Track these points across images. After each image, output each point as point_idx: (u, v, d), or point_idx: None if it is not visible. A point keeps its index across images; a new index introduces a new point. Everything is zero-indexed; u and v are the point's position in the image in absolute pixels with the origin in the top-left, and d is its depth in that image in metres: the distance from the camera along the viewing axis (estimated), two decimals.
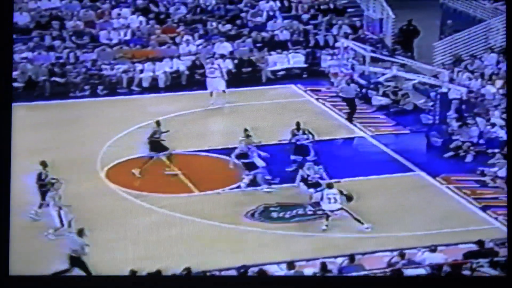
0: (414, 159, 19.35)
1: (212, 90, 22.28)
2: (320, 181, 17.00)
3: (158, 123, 18.58)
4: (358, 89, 22.60)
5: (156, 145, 18.28)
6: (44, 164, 16.15)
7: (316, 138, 18.80)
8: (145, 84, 24.06)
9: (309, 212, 16.75)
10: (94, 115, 21.69)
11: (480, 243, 14.77)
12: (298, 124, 18.89)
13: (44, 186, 15.98)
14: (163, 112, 21.13)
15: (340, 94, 22.26)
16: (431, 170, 18.84)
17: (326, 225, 16.01)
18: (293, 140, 18.62)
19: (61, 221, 15.29)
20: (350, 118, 21.67)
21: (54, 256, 14.48)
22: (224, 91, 22.19)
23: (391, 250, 15.01)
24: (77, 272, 13.81)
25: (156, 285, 12.77)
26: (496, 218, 16.73)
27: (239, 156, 17.63)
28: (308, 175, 17.05)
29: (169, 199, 17.08)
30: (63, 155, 18.18)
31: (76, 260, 14.10)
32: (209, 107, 21.96)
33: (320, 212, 16.55)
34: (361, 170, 18.26)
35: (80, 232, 14.42)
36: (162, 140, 18.32)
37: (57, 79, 23.50)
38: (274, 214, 16.73)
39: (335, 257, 14.57)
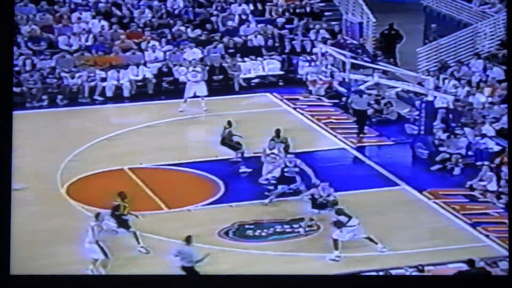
0: (398, 172, 19.42)
1: (191, 95, 22.32)
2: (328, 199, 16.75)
3: (229, 123, 19.23)
4: (372, 101, 22.38)
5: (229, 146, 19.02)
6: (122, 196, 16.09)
7: (296, 150, 18.88)
8: (109, 93, 23.94)
9: (288, 230, 16.77)
10: (53, 127, 21.58)
11: (470, 262, 14.78)
12: (278, 131, 19.10)
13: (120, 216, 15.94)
14: (129, 123, 21.24)
15: (352, 106, 22.05)
16: (416, 184, 18.89)
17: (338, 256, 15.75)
18: (268, 151, 18.67)
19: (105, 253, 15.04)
20: (360, 132, 21.57)
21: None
22: (203, 98, 22.33)
23: (376, 270, 15.08)
24: None
25: (154, 285, 13.30)
26: (487, 236, 16.77)
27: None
28: (321, 196, 16.75)
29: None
30: (20, 171, 17.47)
31: (190, 271, 14.31)
32: (179, 117, 21.91)
33: (298, 230, 16.62)
34: (342, 184, 18.13)
35: (188, 240, 14.66)
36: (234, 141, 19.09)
37: (12, 88, 23.19)
38: (250, 232, 16.71)
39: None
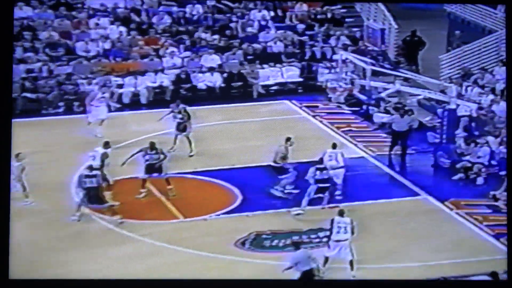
0: (419, 182, 19.38)
1: (93, 120, 21.58)
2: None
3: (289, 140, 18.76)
4: (413, 123, 21.31)
5: None
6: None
7: (315, 158, 18.51)
8: (126, 100, 23.92)
9: (306, 240, 16.69)
10: (70, 134, 21.49)
11: (494, 274, 14.67)
12: (288, 139, 18.90)
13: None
14: (146, 131, 21.14)
15: (392, 127, 21.12)
16: (438, 194, 18.86)
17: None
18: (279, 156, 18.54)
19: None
20: (403, 158, 20.77)
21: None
22: (103, 120, 21.57)
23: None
24: None
25: None
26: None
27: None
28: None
29: (151, 227, 16.97)
30: (36, 178, 18.04)
31: (311, 274, 14.45)
32: (196, 124, 21.50)
33: (316, 240, 16.60)
34: (362, 194, 18.29)
35: (296, 245, 14.93)
36: None
37: (28, 94, 23.32)
38: (267, 243, 16.66)
39: None
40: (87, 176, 16.76)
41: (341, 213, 15.77)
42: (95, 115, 21.48)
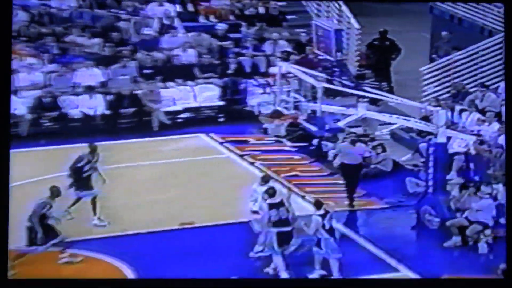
0: (396, 251, 19.32)
1: None
2: None
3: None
4: (369, 152, 22.19)
5: None
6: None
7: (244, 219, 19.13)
8: None
9: None
10: None
11: None
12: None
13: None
14: None
15: (339, 160, 21.66)
16: (424, 269, 18.71)
17: None
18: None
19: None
20: (351, 199, 21.44)
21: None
22: None
23: None
24: None
25: None
26: None
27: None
28: None
29: None
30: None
31: None
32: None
33: None
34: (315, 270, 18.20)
35: None
36: None
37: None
38: None
39: None
40: None
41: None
42: None
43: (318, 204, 17.97)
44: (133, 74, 25.71)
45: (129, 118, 24.91)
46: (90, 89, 25.02)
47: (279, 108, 24.58)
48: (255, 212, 18.51)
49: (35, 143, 23.93)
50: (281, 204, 17.99)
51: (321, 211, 17.76)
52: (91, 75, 25.35)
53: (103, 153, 21.22)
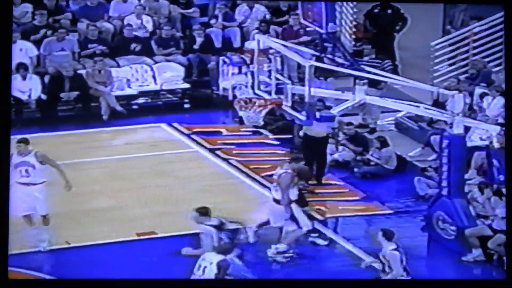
0: (406, 266, 18.44)
1: None
2: None
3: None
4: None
5: None
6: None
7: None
8: None
9: None
10: None
11: None
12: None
13: None
14: None
15: (303, 131, 22.05)
16: None
17: None
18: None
19: None
20: (319, 178, 21.62)
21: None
22: None
23: None
24: None
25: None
26: None
27: None
28: None
29: None
30: None
31: None
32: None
33: None
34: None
35: None
36: None
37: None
38: None
39: None
40: None
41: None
42: None
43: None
44: (75, 49, 24.68)
45: (71, 104, 24.05)
46: (21, 68, 23.88)
47: (258, 92, 22.68)
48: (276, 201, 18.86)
49: None
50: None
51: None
52: (21, 49, 24.33)
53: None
